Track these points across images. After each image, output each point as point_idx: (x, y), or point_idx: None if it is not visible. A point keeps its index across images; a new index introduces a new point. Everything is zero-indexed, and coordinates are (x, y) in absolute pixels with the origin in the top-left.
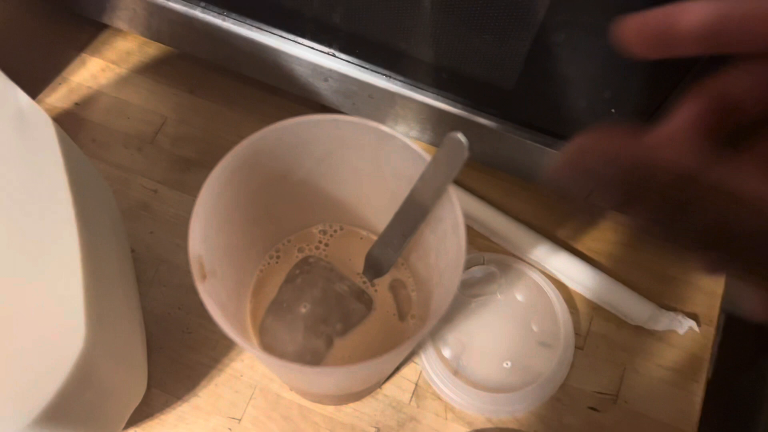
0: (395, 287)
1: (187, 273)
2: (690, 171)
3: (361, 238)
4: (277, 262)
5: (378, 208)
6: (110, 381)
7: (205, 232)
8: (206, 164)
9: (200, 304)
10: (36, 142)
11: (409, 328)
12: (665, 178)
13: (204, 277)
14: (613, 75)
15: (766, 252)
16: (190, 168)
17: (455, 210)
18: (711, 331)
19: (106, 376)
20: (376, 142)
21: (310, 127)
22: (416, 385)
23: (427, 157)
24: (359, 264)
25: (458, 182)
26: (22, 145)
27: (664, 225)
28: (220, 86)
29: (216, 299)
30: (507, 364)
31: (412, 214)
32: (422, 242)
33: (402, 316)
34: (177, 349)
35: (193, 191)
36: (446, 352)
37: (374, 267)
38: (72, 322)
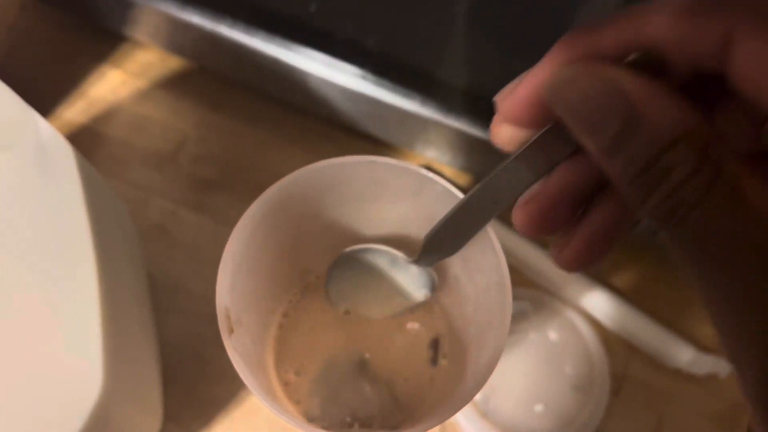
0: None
1: (205, 300)
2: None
3: None
4: (300, 300)
5: (414, 245)
6: (127, 422)
7: (232, 282)
8: (228, 186)
9: (217, 334)
10: (56, 174)
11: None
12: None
13: (231, 330)
14: None
15: None
16: (211, 189)
17: (500, 265)
18: None
19: (122, 418)
20: (415, 184)
21: (345, 168)
22: (443, 426)
23: None
24: None
25: None
26: (41, 178)
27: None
28: (244, 104)
29: (243, 354)
30: (538, 408)
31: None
32: (458, 288)
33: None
34: (193, 382)
35: (214, 214)
36: None
37: (443, 244)
38: (89, 366)
